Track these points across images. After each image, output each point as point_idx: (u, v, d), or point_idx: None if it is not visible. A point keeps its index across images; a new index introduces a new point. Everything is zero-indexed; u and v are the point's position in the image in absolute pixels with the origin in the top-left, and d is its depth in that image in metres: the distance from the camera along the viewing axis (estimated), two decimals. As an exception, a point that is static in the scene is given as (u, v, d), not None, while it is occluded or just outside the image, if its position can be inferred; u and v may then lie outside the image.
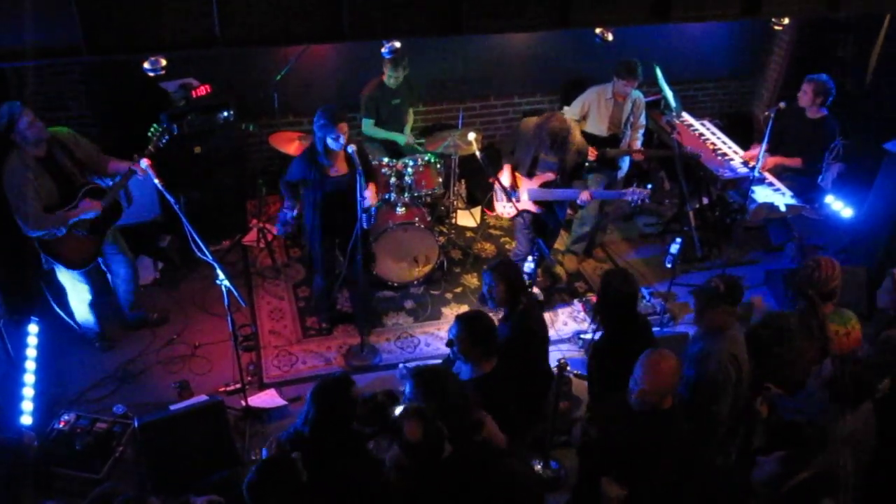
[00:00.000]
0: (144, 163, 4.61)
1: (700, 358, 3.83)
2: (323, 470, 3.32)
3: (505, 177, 5.60)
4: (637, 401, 3.41)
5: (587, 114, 6.01)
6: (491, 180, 5.66)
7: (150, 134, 4.77)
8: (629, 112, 5.96)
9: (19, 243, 4.89)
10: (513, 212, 5.57)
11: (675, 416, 3.47)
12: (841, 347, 4.08)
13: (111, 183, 4.81)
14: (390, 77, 5.98)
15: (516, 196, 5.55)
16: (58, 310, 5.27)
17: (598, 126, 5.97)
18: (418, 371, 3.56)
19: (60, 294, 5.16)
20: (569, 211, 6.44)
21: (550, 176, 5.43)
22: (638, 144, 6.10)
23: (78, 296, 5.05)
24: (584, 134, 5.97)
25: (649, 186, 5.38)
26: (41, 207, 4.53)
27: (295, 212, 5.29)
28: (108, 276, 5.22)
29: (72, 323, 5.25)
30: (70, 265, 4.82)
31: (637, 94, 5.99)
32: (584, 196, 5.38)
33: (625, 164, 6.19)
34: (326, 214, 5.06)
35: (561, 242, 6.27)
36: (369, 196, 4.91)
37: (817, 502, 3.30)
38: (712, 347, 3.80)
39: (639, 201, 5.36)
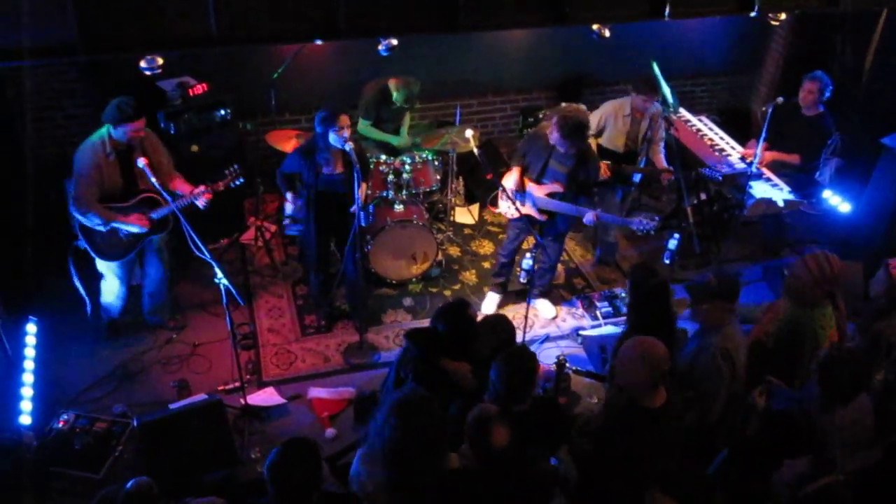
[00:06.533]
0: (142, 161, 4.58)
1: (694, 354, 3.83)
2: None
3: (510, 179, 5.29)
4: (617, 395, 3.39)
5: (603, 128, 5.86)
6: (488, 177, 5.60)
7: (226, 171, 4.85)
8: (647, 128, 5.80)
9: (19, 241, 4.88)
10: (515, 214, 5.29)
11: (663, 417, 3.36)
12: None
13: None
14: (398, 99, 5.97)
15: (522, 199, 5.31)
16: (78, 284, 5.25)
17: (614, 142, 5.82)
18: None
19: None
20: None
21: (558, 188, 5.16)
22: (661, 159, 5.85)
23: (110, 284, 5.08)
24: (599, 148, 5.83)
25: (657, 218, 5.19)
26: (98, 194, 4.60)
27: (300, 202, 5.17)
28: (140, 272, 5.27)
29: (86, 299, 5.26)
30: (99, 254, 4.85)
31: (655, 106, 5.74)
32: (590, 216, 5.13)
33: (636, 179, 6.12)
34: (321, 213, 5.05)
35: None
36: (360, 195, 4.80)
37: None
38: (705, 343, 3.80)
39: (644, 232, 5.15)
